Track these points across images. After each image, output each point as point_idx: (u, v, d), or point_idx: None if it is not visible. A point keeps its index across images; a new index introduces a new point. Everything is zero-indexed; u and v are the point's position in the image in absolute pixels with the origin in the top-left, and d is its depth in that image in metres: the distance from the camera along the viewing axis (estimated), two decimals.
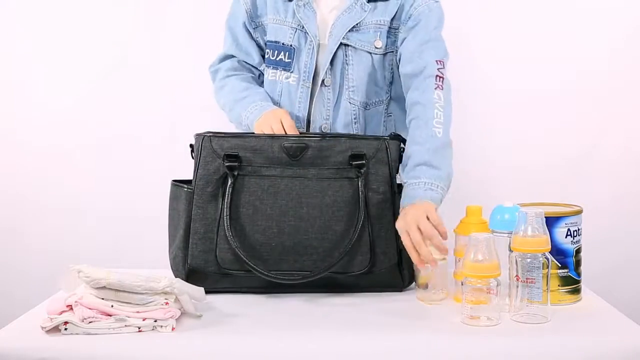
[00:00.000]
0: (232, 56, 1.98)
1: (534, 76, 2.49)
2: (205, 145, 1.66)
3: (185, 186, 1.67)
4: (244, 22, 1.94)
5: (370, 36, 1.88)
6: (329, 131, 1.87)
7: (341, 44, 1.86)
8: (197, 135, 1.69)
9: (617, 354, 1.34)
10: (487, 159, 2.49)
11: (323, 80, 1.87)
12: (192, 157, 1.69)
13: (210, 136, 1.66)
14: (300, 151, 1.64)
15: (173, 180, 1.71)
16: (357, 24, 1.87)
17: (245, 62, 1.98)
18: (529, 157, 2.49)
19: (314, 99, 1.87)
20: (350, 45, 1.88)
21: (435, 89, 1.77)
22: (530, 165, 2.49)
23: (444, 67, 1.84)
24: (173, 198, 1.70)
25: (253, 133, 1.79)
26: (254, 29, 1.95)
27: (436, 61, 1.81)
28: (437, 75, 1.79)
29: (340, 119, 1.88)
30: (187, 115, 2.48)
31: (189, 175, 1.70)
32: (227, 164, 1.63)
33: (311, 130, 1.88)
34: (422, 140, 1.71)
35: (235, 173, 1.63)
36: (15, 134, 2.51)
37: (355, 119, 1.88)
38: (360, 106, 1.88)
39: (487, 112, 2.49)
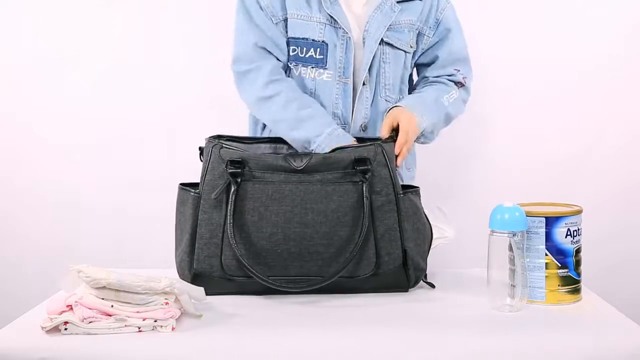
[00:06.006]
0: (265, 50, 1.88)
1: (534, 76, 2.49)
2: (214, 151, 1.65)
3: (192, 190, 1.66)
4: (264, 14, 1.87)
5: (406, 35, 1.92)
6: (367, 129, 1.90)
7: (381, 41, 1.88)
8: (209, 140, 1.67)
9: (617, 354, 1.34)
10: (488, 159, 2.49)
11: (363, 80, 1.88)
12: (201, 160, 1.68)
13: (220, 145, 1.65)
14: (302, 160, 1.64)
15: (180, 184, 1.69)
16: (392, 23, 1.88)
17: (275, 56, 1.88)
18: (529, 157, 2.49)
19: (356, 98, 1.88)
20: (390, 44, 1.89)
21: (456, 84, 1.98)
22: (530, 165, 2.49)
23: (468, 78, 2.00)
24: (180, 202, 1.68)
25: (258, 139, 1.79)
26: (275, 24, 1.88)
27: (463, 78, 1.99)
28: (458, 82, 1.98)
29: (379, 116, 1.89)
30: (189, 115, 2.48)
31: (190, 176, 1.70)
32: (230, 170, 1.61)
33: (352, 129, 1.89)
34: (435, 93, 1.92)
35: (238, 180, 1.61)
36: (16, 135, 2.51)
37: None
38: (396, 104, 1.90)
39: (487, 112, 2.49)
